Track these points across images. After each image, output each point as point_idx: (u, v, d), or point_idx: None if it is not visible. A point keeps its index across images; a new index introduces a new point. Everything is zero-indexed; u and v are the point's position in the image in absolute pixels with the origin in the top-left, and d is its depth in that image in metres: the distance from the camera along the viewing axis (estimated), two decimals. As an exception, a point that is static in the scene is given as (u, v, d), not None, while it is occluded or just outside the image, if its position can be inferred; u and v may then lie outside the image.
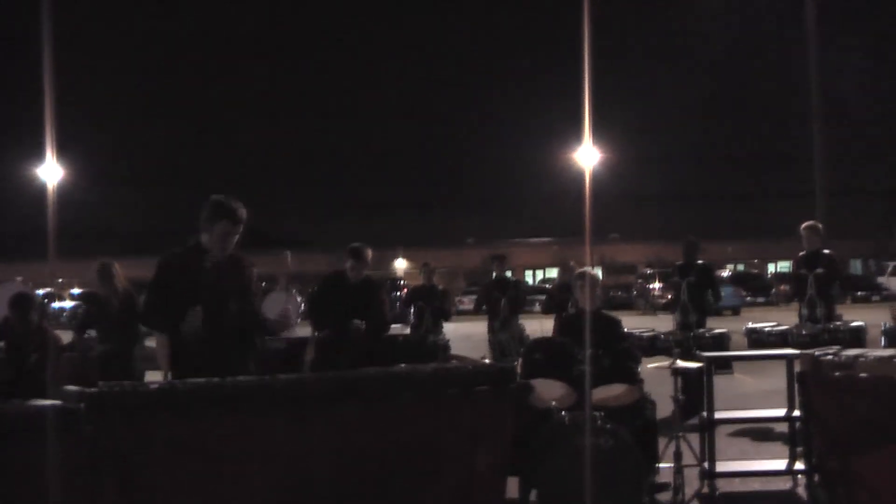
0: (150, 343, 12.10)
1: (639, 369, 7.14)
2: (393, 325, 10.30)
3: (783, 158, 65.95)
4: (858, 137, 67.40)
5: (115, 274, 10.02)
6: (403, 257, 64.72)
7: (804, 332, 9.07)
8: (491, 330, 13.27)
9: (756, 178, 71.26)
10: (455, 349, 12.90)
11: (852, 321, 9.51)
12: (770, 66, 76.99)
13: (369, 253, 8.73)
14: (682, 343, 8.96)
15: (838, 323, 9.55)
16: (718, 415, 7.45)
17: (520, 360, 7.44)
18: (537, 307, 32.71)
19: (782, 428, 8.58)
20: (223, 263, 6.07)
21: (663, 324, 11.91)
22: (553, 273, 58.12)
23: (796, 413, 7.36)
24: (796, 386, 7.17)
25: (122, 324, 9.88)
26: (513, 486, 6.31)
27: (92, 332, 10.21)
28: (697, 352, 8.31)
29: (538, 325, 13.22)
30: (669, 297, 13.26)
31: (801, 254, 10.78)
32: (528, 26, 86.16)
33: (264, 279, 12.91)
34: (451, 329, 13.66)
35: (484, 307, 13.88)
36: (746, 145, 75.89)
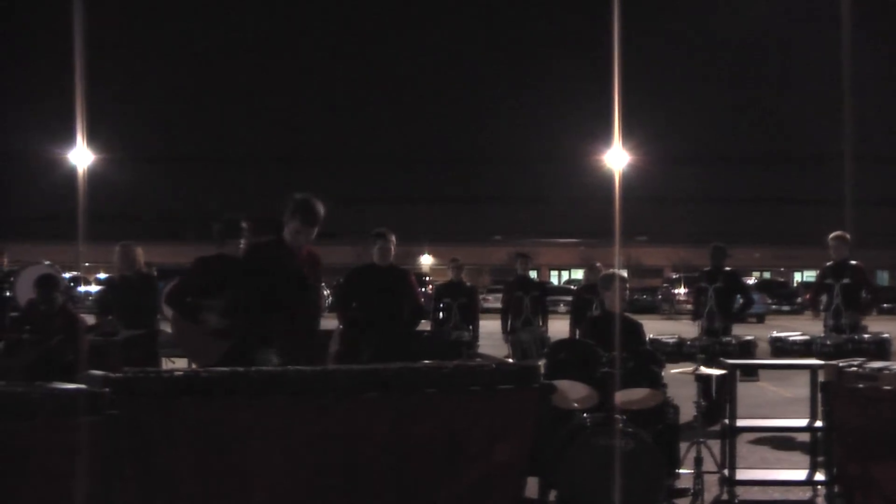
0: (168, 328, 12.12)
1: (662, 373, 7.12)
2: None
3: (813, 164, 65.54)
4: (890, 145, 66.80)
5: (136, 256, 10.07)
6: (429, 253, 64.73)
7: (828, 343, 9.02)
8: (511, 330, 13.13)
9: (785, 183, 70.85)
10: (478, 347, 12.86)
11: (878, 332, 9.46)
12: (802, 70, 76.47)
13: (393, 238, 8.61)
14: (708, 349, 8.92)
15: (866, 335, 9.49)
16: (740, 423, 7.41)
17: (543, 360, 7.41)
18: (561, 307, 32.91)
19: (804, 437, 8.54)
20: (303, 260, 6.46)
21: (687, 329, 11.85)
22: (578, 274, 58.06)
23: (818, 423, 7.32)
24: (819, 396, 7.15)
25: (142, 307, 9.92)
26: (532, 486, 6.32)
27: (109, 317, 10.21)
28: (721, 358, 8.26)
29: (563, 327, 13.20)
30: (692, 303, 13.16)
31: (827, 263, 10.73)
32: (560, 27, 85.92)
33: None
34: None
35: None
36: (776, 150, 75.34)
